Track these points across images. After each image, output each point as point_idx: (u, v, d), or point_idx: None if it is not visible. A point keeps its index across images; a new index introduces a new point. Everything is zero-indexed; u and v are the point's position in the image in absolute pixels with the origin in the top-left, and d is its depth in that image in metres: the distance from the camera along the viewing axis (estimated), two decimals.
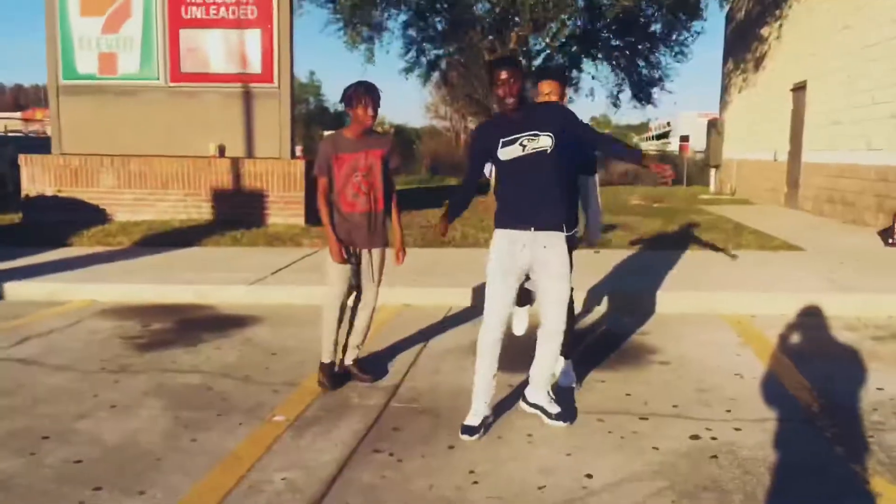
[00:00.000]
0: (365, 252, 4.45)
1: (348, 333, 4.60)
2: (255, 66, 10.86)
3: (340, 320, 4.48)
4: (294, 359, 5.07)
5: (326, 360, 4.48)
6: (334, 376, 4.48)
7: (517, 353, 4.37)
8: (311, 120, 40.12)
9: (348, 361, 4.61)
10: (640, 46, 18.15)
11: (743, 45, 18.34)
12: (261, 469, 3.36)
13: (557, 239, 3.71)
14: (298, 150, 17.98)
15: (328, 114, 45.91)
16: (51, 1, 11.09)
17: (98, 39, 11.10)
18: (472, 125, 55.08)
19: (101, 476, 3.29)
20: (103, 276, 7.34)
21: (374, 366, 4.75)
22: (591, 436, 3.69)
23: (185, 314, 6.34)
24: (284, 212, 10.94)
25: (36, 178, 11.08)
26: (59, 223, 10.15)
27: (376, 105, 4.27)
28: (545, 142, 3.61)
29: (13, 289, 6.98)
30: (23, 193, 11.28)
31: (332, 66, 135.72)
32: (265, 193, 10.88)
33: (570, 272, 3.85)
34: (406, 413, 4.04)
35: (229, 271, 7.48)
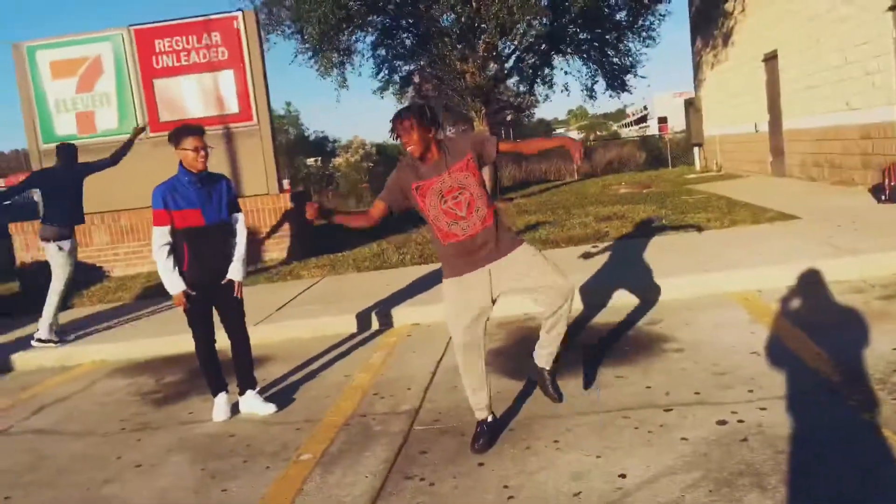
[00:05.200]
0: None
1: None
2: (233, 107, 10.85)
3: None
4: (311, 394, 5.08)
5: None
6: None
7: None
8: (293, 150, 40.03)
9: None
10: (607, 37, 18.27)
11: (709, 22, 18.44)
12: None
13: None
14: (286, 183, 17.96)
15: (308, 142, 45.92)
16: (21, 68, 11.07)
17: (74, 100, 11.08)
18: (451, 134, 55.39)
19: None
20: (110, 336, 7.32)
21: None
22: (618, 434, 3.68)
23: (195, 363, 6.29)
24: (279, 246, 10.93)
25: (29, 244, 11.02)
26: None
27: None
28: None
29: (22, 358, 6.97)
30: (17, 262, 11.23)
31: (307, 93, 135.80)
32: (258, 230, 10.86)
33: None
34: (430, 435, 4.03)
35: None
